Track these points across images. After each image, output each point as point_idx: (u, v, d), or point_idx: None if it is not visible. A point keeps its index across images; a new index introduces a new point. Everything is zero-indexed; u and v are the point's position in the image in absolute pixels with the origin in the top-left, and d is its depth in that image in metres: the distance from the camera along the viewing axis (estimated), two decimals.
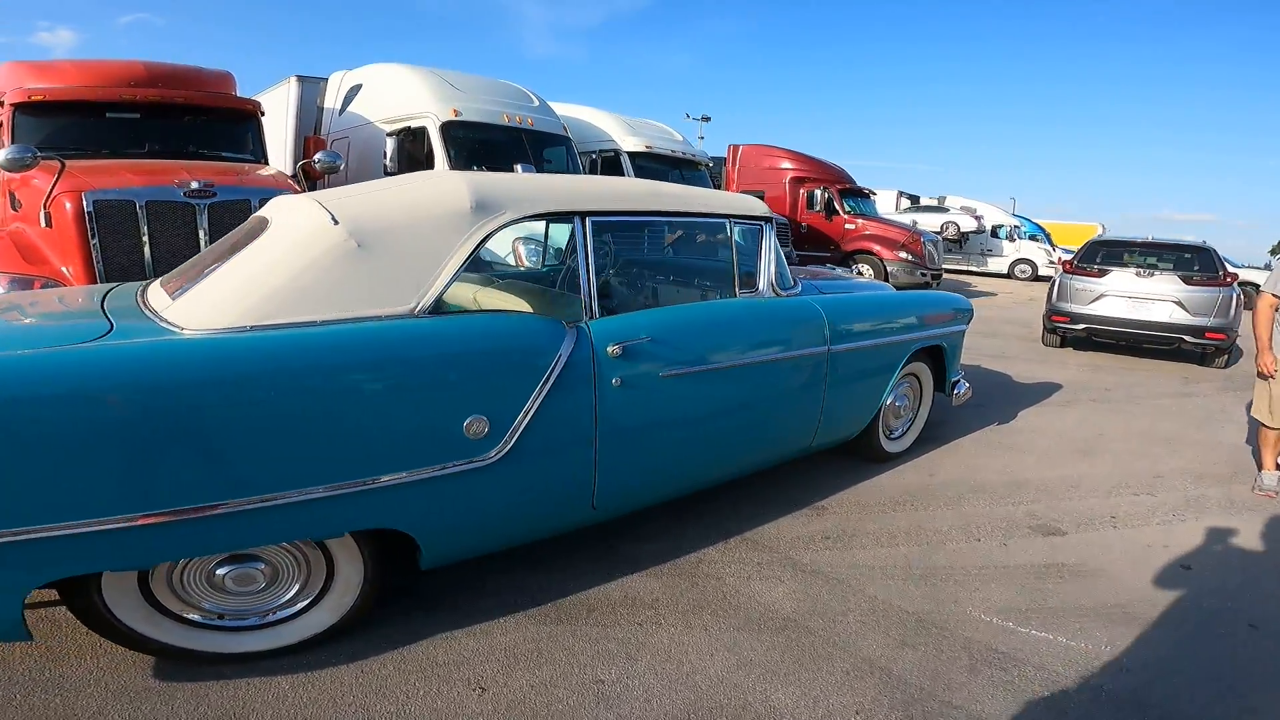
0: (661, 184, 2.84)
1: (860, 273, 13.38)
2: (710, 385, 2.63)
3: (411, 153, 7.40)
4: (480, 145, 7.39)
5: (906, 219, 19.80)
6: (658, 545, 2.85)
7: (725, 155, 14.87)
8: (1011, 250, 20.28)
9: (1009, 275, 19.81)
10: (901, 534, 3.04)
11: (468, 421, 2.01)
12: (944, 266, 21.17)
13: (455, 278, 2.10)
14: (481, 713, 1.88)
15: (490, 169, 7.08)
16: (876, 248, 13.35)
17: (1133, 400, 5.98)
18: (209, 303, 1.92)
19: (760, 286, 2.96)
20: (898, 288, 13.43)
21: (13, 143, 5.89)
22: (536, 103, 8.37)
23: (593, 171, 9.19)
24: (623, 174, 9.26)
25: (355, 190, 2.37)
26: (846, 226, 13.71)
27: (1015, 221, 20.70)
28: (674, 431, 2.58)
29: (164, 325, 1.88)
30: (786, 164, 14.23)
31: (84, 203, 4.60)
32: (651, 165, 9.66)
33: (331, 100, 8.78)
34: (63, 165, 4.91)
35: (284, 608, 2.06)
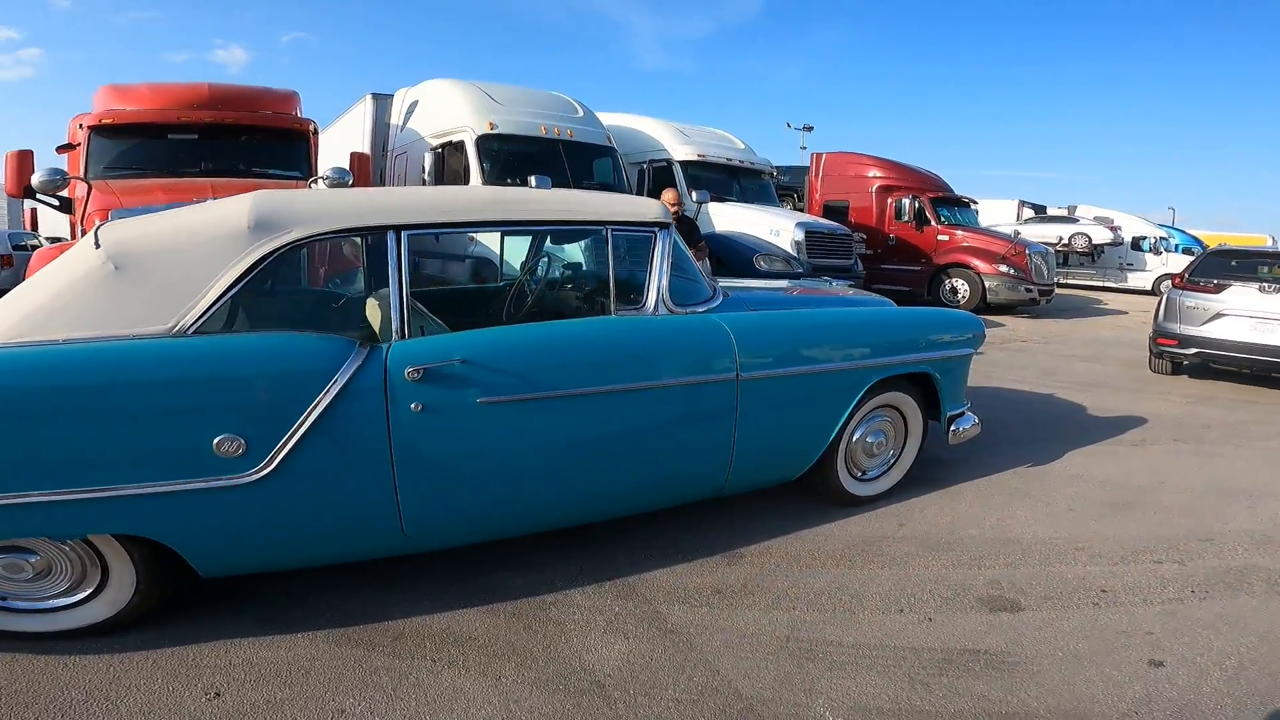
0: (511, 190, 2.59)
1: (954, 289, 12.30)
2: (552, 415, 2.35)
3: (452, 166, 7.55)
4: (516, 158, 7.42)
5: (1029, 230, 18.11)
6: (526, 579, 2.62)
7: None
8: (1156, 264, 17.94)
9: (1152, 292, 17.51)
10: (811, 596, 2.57)
11: (217, 440, 1.95)
12: (1068, 281, 19.20)
13: (225, 298, 2.06)
14: (199, 716, 1.84)
15: (524, 181, 7.07)
16: (972, 261, 12.19)
17: (1230, 442, 4.95)
18: None
19: (647, 303, 2.62)
20: (997, 304, 12.33)
21: (88, 161, 6.52)
22: (580, 113, 8.31)
23: (642, 182, 8.98)
24: (674, 184, 8.99)
25: (155, 215, 2.36)
26: (939, 238, 12.63)
27: (1160, 233, 18.29)
28: (504, 463, 2.33)
29: None
30: (874, 171, 13.34)
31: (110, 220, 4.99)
32: (705, 174, 9.34)
33: (396, 117, 9.17)
34: (90, 186, 5.32)
35: (61, 597, 2.12)
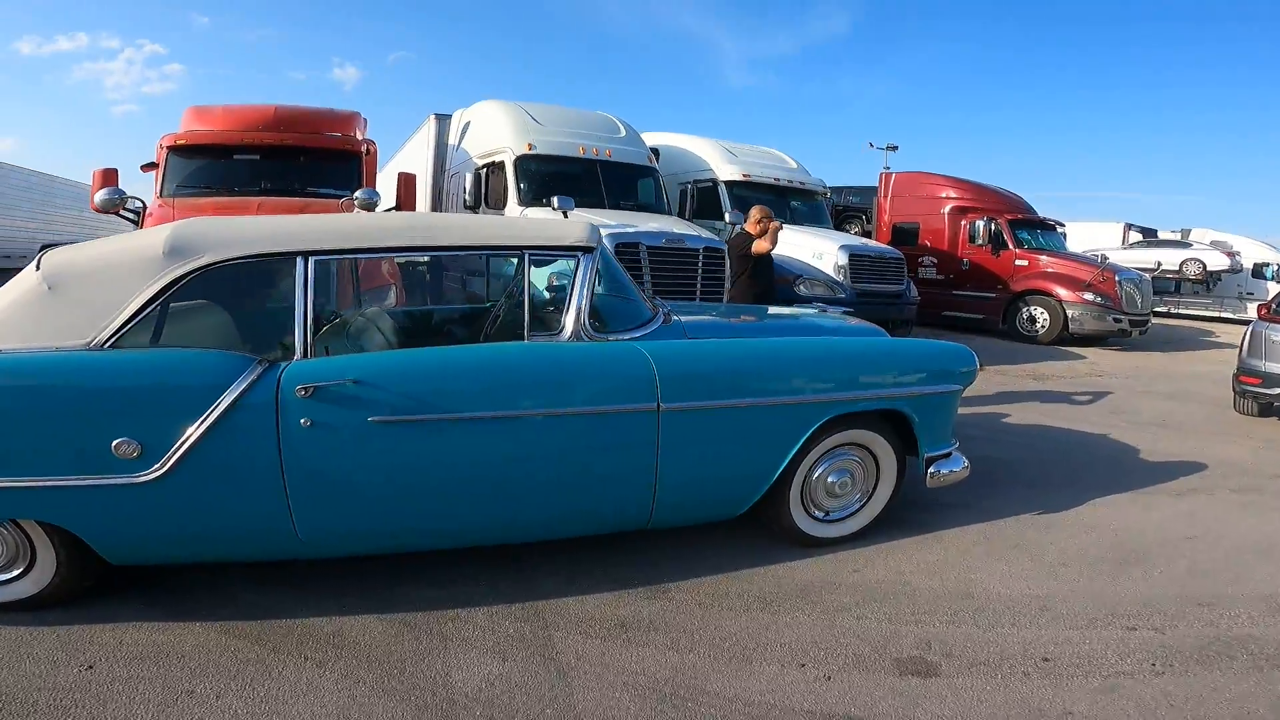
0: (425, 216, 2.66)
1: (1032, 318, 11.49)
2: (450, 437, 2.40)
3: (494, 187, 7.78)
4: (554, 178, 7.56)
5: (1133, 255, 16.78)
6: (438, 593, 2.68)
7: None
8: None
9: None
10: (716, 639, 2.46)
11: (116, 443, 2.13)
12: (1180, 311, 17.52)
13: (140, 316, 2.28)
14: (70, 687, 2.04)
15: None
16: (1053, 287, 11.35)
17: None
18: None
19: (564, 329, 2.61)
20: (1081, 335, 11.48)
21: (164, 179, 7.13)
22: (622, 133, 8.39)
23: (684, 203, 8.94)
24: (719, 205, 8.91)
25: (92, 241, 2.59)
26: (1017, 263, 11.84)
27: None
28: (400, 481, 2.40)
29: None
30: (947, 192, 12.71)
31: None
32: (751, 195, 9.17)
33: (453, 137, 9.56)
34: (143, 205, 5.80)
35: None
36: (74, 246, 2.52)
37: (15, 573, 2.35)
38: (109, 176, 6.60)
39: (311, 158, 7.46)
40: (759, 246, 5.58)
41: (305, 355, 2.31)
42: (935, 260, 12.69)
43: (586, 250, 2.65)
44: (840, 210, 15.84)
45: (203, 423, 2.15)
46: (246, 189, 6.99)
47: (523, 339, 2.58)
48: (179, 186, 6.87)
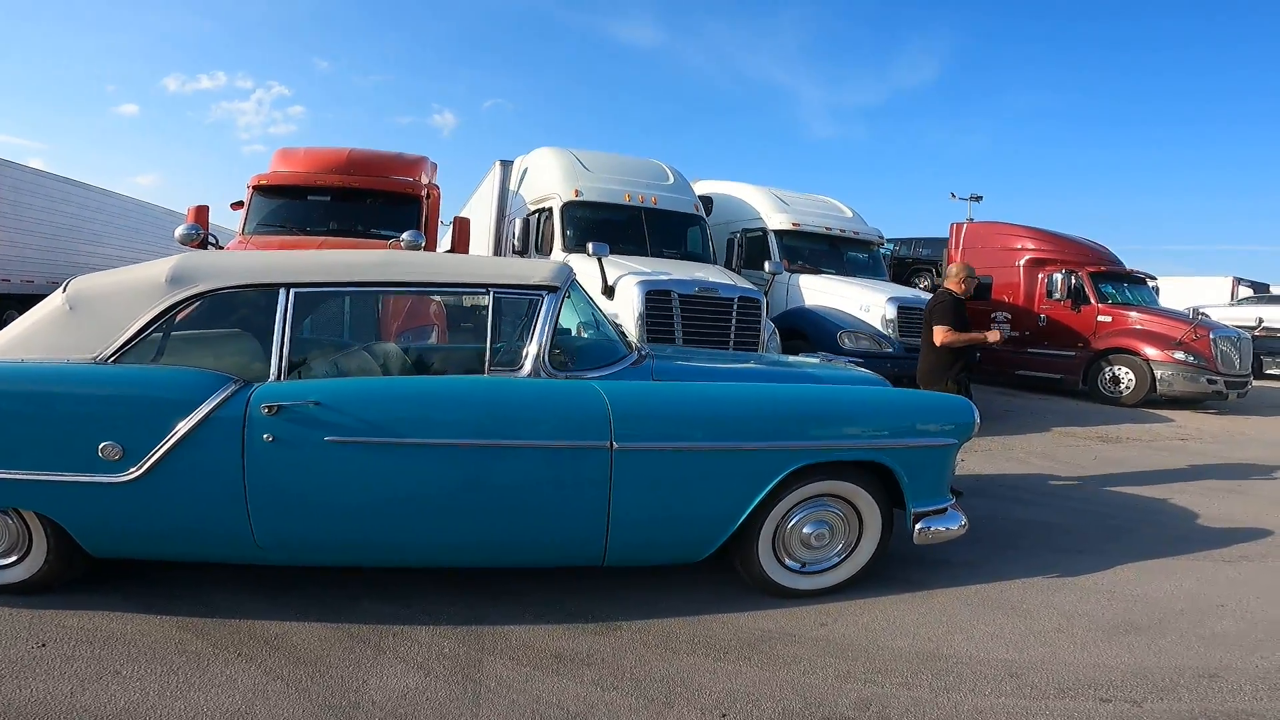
0: (401, 254, 2.86)
1: (1115, 378, 10.70)
2: (403, 460, 2.57)
3: (544, 233, 8.11)
4: (600, 224, 7.81)
5: (1245, 312, 15.50)
6: (397, 608, 2.82)
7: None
8: None
9: None
10: (644, 683, 2.44)
11: (103, 445, 2.43)
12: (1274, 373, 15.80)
13: (142, 336, 2.59)
14: (18, 659, 2.33)
15: (611, 247, 7.42)
16: (1140, 345, 10.58)
17: None
18: None
19: (524, 365, 2.73)
20: (1170, 396, 10.66)
21: (248, 216, 7.77)
22: (670, 180, 8.59)
23: (730, 252, 9.00)
24: (768, 254, 8.92)
25: (116, 269, 2.94)
26: (1099, 319, 11.12)
27: None
28: (352, 498, 2.57)
29: None
30: (1023, 243, 12.18)
31: None
32: (801, 245, 9.16)
33: (514, 184, 10.03)
34: (208, 242, 6.35)
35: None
36: (97, 274, 2.88)
37: (13, 559, 2.67)
38: (201, 213, 7.30)
39: (377, 200, 7.93)
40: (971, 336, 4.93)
41: (280, 377, 2.54)
42: (1009, 316, 12.10)
43: (550, 290, 2.79)
44: (910, 263, 15.47)
45: (176, 432, 2.43)
46: (317, 229, 7.52)
47: (482, 372, 2.72)
48: (260, 224, 7.47)
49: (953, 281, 5.14)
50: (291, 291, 2.58)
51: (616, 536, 2.78)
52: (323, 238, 7.01)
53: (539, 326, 2.75)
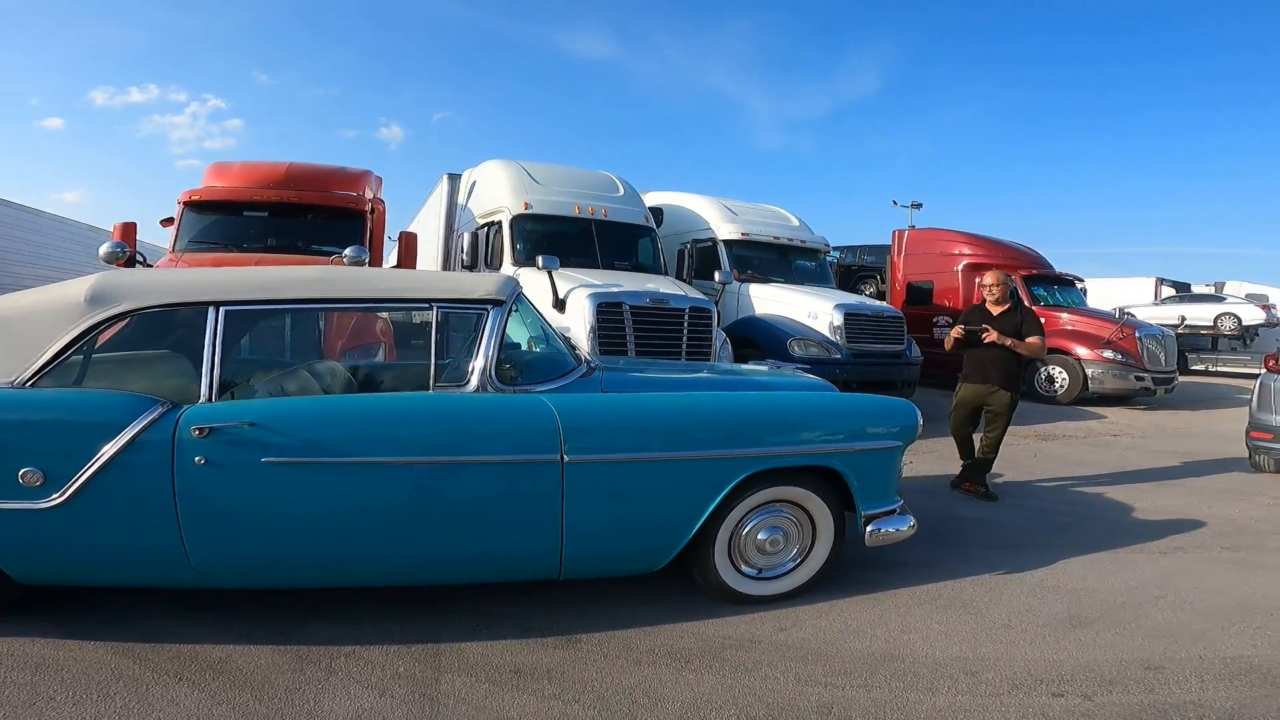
0: (337, 270, 2.78)
1: (1050, 378, 11.13)
2: (344, 480, 2.47)
3: (494, 246, 8.01)
4: (550, 237, 7.75)
5: (1161, 312, 16.31)
6: (345, 629, 2.72)
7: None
8: None
9: None
10: (604, 694, 2.40)
11: (22, 471, 2.29)
12: (1217, 369, 16.80)
13: (61, 358, 2.45)
14: None
15: (561, 260, 7.37)
16: (1071, 346, 11.06)
17: None
18: None
19: (470, 380, 2.67)
20: (1102, 393, 11.11)
21: (179, 234, 7.40)
22: (621, 192, 8.60)
23: (681, 263, 9.07)
24: (719, 264, 9.00)
25: (33, 289, 2.78)
26: None
27: None
28: (292, 519, 2.48)
29: None
30: (961, 249, 12.63)
31: None
32: (751, 254, 9.28)
33: (462, 197, 9.88)
34: (135, 260, 5.99)
35: None
36: (13, 294, 2.71)
37: None
38: (128, 230, 6.91)
39: (318, 215, 7.64)
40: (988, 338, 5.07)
41: (211, 399, 2.42)
42: (950, 320, 12.49)
43: (495, 303, 2.74)
44: (856, 270, 15.86)
45: (101, 456, 2.29)
46: (253, 246, 7.21)
47: (427, 389, 2.65)
48: (191, 241, 7.09)
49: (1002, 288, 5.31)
50: (221, 310, 2.47)
51: (571, 550, 2.74)
52: (259, 255, 6.76)
53: (484, 341, 2.70)
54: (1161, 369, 11.04)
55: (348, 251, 6.10)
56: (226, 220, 7.50)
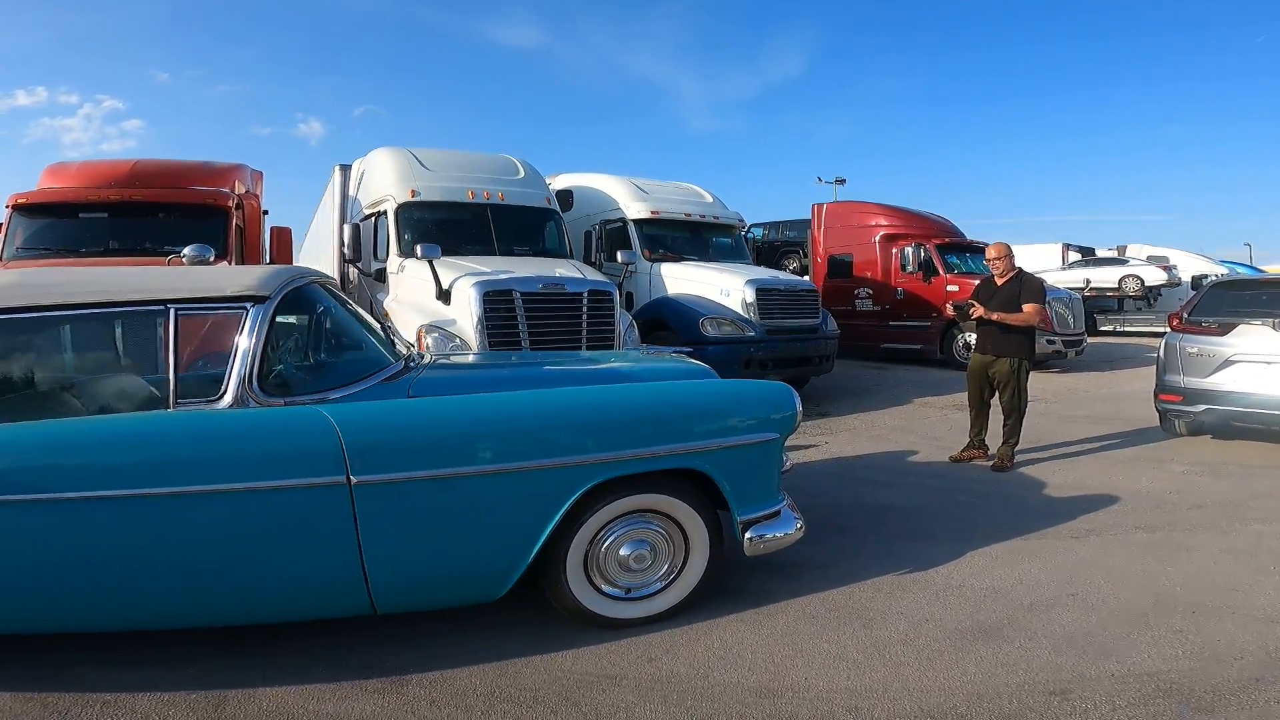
0: (38, 272, 2.22)
1: (968, 344, 11.10)
2: (68, 516, 1.96)
3: (381, 237, 7.36)
4: (441, 225, 7.15)
5: (1070, 275, 16.69)
6: (125, 674, 2.28)
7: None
8: None
9: None
10: None
11: None
12: (1125, 329, 17.38)
13: None
14: None
15: (454, 248, 6.77)
16: None
17: (1217, 528, 3.98)
18: None
19: (226, 393, 2.14)
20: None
21: (6, 240, 6.57)
22: (521, 174, 8.04)
23: (589, 245, 8.58)
24: (629, 246, 8.54)
25: None
26: (948, 288, 11.49)
27: (1223, 270, 16.49)
28: (13, 562, 1.96)
29: None
30: (877, 220, 12.52)
31: None
32: (663, 233, 8.86)
33: (353, 188, 9.12)
34: None
35: None
36: None
37: None
38: None
39: (171, 214, 6.97)
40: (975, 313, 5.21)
41: None
42: (871, 291, 12.41)
43: (256, 300, 2.20)
44: (779, 246, 15.69)
45: None
46: (93, 249, 6.51)
47: (168, 407, 2.09)
48: (20, 249, 6.39)
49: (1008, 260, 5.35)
50: None
51: (379, 582, 2.25)
52: (95, 259, 6.03)
53: (241, 346, 2.17)
54: (1070, 331, 11.16)
55: (188, 250, 5.45)
56: (61, 224, 6.76)
